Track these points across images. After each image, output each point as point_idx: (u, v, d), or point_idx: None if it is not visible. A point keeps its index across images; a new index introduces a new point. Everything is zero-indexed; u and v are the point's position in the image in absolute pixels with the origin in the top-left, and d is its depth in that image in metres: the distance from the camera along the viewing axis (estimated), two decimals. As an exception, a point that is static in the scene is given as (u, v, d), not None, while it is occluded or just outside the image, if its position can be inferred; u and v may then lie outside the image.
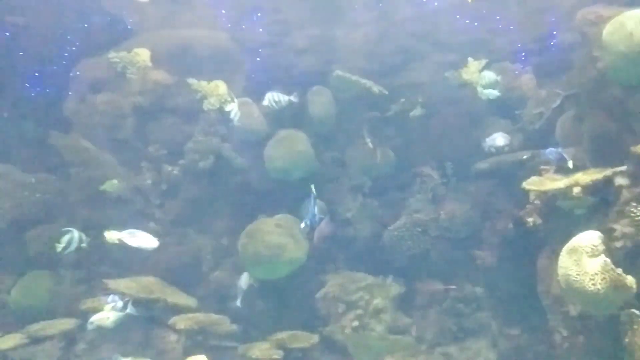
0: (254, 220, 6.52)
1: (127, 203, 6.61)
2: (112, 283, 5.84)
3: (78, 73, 6.79)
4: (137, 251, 5.56)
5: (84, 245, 5.65)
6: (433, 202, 6.67)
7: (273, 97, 6.36)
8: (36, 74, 7.40)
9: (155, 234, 5.71)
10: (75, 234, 5.60)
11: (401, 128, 6.84)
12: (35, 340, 5.60)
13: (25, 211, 6.63)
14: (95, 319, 5.46)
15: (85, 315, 5.72)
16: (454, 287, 6.42)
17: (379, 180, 6.84)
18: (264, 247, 6.15)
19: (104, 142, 6.63)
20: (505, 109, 6.66)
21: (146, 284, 6.03)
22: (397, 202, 6.82)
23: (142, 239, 5.49)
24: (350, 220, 6.80)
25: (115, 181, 6.33)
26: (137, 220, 6.36)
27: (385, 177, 6.84)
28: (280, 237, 6.28)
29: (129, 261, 6.30)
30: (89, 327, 5.46)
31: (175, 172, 6.66)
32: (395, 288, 6.52)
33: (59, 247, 5.54)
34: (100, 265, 6.47)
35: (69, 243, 5.59)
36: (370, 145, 6.69)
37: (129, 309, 5.57)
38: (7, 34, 7.20)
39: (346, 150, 6.91)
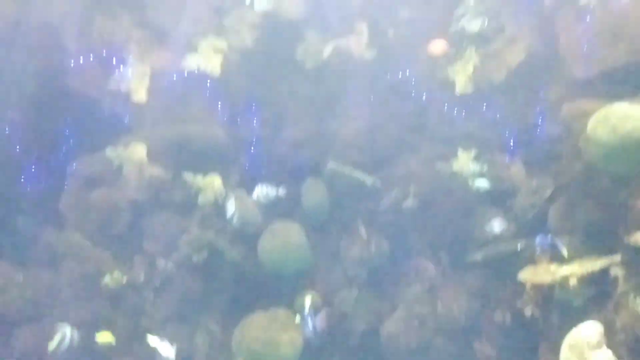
0: (248, 314, 6.44)
1: (119, 299, 6.52)
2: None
3: (75, 168, 6.88)
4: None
5: (76, 342, 5.53)
6: (430, 293, 6.59)
7: (262, 190, 6.54)
8: (33, 169, 7.50)
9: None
10: (68, 331, 5.49)
11: (395, 219, 6.87)
12: None
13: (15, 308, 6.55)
14: None
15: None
16: None
17: (374, 272, 6.79)
18: (259, 343, 6.03)
19: (98, 237, 6.64)
20: (497, 198, 6.73)
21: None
22: (393, 293, 6.74)
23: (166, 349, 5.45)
24: (345, 313, 6.68)
25: (116, 273, 6.27)
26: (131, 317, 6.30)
27: (380, 268, 6.79)
28: (274, 333, 6.19)
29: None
30: None
31: (168, 266, 6.62)
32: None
33: (52, 344, 5.41)
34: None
35: (62, 340, 5.47)
36: (365, 236, 6.70)
37: None
38: (6, 129, 7.37)
39: (340, 241, 6.91)
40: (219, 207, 6.74)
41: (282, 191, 6.59)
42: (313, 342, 6.36)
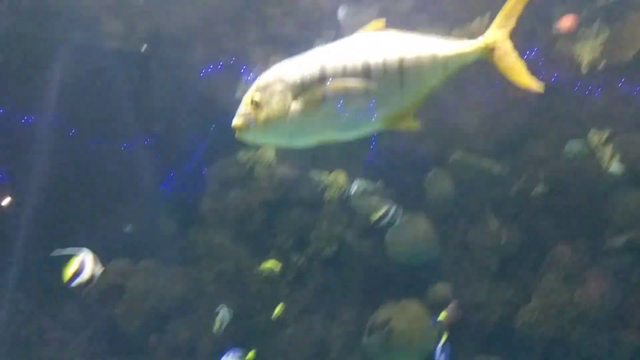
0: (380, 306, 6.58)
1: (258, 294, 6.89)
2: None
3: (211, 172, 7.37)
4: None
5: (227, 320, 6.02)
6: (567, 281, 6.36)
7: (360, 185, 6.60)
8: (173, 174, 8.13)
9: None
10: (225, 311, 5.97)
11: (525, 206, 6.68)
12: None
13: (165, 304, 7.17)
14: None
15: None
16: None
17: (506, 261, 6.65)
18: (392, 335, 6.14)
19: (235, 235, 7.07)
20: (634, 180, 6.34)
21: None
22: (527, 283, 6.57)
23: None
24: (478, 304, 6.61)
25: (272, 262, 6.60)
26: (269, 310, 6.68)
27: (512, 258, 6.64)
28: (407, 324, 6.27)
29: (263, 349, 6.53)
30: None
31: (301, 261, 6.90)
32: (532, 375, 6.18)
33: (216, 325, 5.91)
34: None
35: (222, 321, 5.96)
36: (494, 225, 6.58)
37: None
38: (147, 139, 8.05)
39: (469, 232, 6.84)
40: (345, 202, 6.93)
41: (379, 186, 6.59)
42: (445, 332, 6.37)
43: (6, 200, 7.71)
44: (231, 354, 6.00)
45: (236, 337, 6.72)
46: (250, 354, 5.86)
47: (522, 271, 6.63)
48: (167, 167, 8.05)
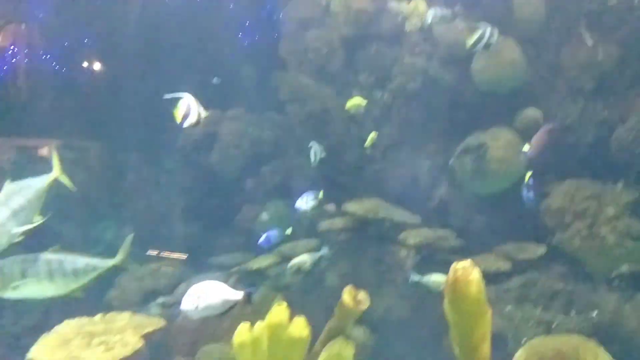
0: (467, 137, 6.54)
1: (345, 131, 7.02)
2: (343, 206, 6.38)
3: (287, 14, 7.22)
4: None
5: (323, 155, 6.32)
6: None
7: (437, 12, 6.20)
8: (247, 23, 8.06)
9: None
10: (317, 146, 6.26)
11: (625, 18, 6.14)
12: (286, 259, 6.38)
13: (261, 147, 7.50)
14: (295, 262, 6.12)
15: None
16: None
17: (602, 80, 6.29)
18: (485, 162, 6.17)
19: (318, 76, 7.05)
20: None
21: (371, 206, 6.44)
22: (624, 101, 6.23)
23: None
24: (570, 126, 6.41)
25: (357, 99, 6.61)
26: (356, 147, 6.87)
27: (609, 75, 6.26)
28: (499, 151, 6.25)
29: (354, 186, 6.82)
30: (289, 270, 6.12)
31: (385, 97, 6.86)
32: (627, 194, 6.08)
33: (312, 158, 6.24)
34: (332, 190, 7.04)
35: (316, 155, 6.28)
36: (590, 41, 6.14)
37: (322, 251, 6.17)
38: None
39: (561, 51, 6.44)
40: (426, 32, 6.66)
41: (459, 10, 6.16)
42: (536, 157, 6.30)
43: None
44: (309, 195, 6.30)
45: (327, 174, 7.02)
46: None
47: (619, 89, 6.28)
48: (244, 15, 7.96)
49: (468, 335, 2.73)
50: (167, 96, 4.49)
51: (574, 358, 2.83)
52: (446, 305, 2.81)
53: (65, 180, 4.86)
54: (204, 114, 4.59)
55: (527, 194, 5.98)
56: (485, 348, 2.76)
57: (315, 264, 6.20)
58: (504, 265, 5.97)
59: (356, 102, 6.56)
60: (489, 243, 6.34)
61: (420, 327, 6.01)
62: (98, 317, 5.29)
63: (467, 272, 2.67)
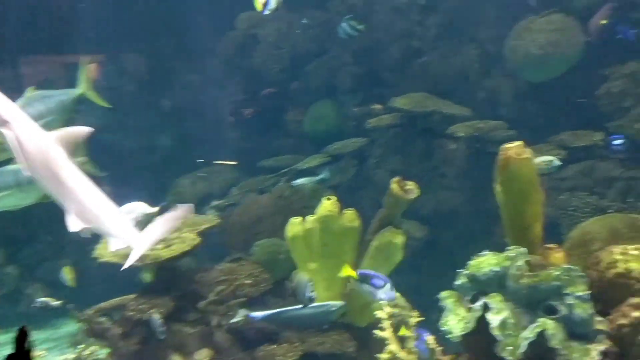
0: (520, 21, 6.19)
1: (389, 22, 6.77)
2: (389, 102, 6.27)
3: None
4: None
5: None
6: None
7: None
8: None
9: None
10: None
11: None
12: (335, 158, 6.41)
13: (303, 47, 7.32)
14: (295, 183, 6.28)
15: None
16: None
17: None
18: (535, 46, 5.87)
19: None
20: None
21: (419, 99, 6.29)
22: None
23: None
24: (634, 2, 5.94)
25: None
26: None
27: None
28: (551, 34, 5.93)
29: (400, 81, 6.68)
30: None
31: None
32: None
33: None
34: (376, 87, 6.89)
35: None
36: None
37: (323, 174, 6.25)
38: None
39: None
40: None
41: None
42: (594, 40, 5.96)
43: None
44: None
45: (371, 70, 6.86)
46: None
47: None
48: None
49: (520, 214, 2.71)
50: None
51: (628, 235, 2.77)
52: (497, 187, 2.77)
53: (92, 96, 4.78)
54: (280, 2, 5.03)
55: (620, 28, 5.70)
56: (537, 228, 2.74)
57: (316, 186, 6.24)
58: (560, 154, 5.79)
59: None
60: (543, 133, 6.15)
61: (472, 219, 6.01)
62: (157, 219, 5.49)
63: (519, 150, 2.60)
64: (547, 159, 5.39)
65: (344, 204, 4.40)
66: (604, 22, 5.72)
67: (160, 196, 6.91)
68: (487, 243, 3.30)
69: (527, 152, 2.59)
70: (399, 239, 3.98)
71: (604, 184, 5.71)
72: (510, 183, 2.64)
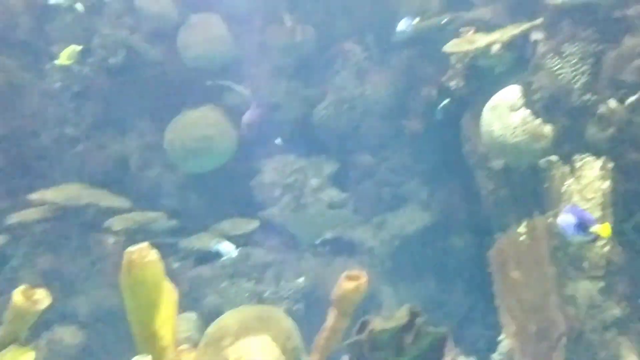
0: (177, 114, 6.36)
1: (39, 110, 6.26)
2: (37, 194, 5.65)
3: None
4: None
5: None
6: (358, 77, 6.60)
7: None
8: None
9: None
10: None
11: (321, 2, 6.58)
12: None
13: None
14: None
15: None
16: None
17: (302, 60, 6.66)
18: (191, 140, 6.07)
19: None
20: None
21: (73, 191, 5.86)
22: (322, 80, 6.70)
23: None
24: (276, 104, 6.68)
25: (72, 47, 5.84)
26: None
27: (307, 56, 6.66)
28: (206, 128, 6.22)
29: (51, 171, 6.11)
30: None
31: (85, 71, 6.25)
32: (328, 166, 6.60)
33: None
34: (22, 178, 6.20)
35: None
36: (290, 23, 6.44)
37: None
38: None
39: (265, 31, 6.63)
40: (130, 3, 6.25)
41: None
42: (246, 135, 6.45)
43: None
44: None
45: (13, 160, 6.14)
46: None
47: (318, 69, 6.72)
48: None
49: (149, 320, 2.55)
50: None
51: (257, 327, 2.87)
52: (123, 293, 2.58)
53: None
54: None
55: None
56: (169, 331, 2.61)
57: None
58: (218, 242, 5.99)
59: (70, 50, 5.79)
60: (204, 222, 6.32)
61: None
62: None
63: (143, 253, 2.47)
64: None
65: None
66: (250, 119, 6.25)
67: None
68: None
69: (152, 255, 2.48)
70: (28, 357, 3.44)
71: (260, 270, 6.07)
72: (135, 288, 2.48)
